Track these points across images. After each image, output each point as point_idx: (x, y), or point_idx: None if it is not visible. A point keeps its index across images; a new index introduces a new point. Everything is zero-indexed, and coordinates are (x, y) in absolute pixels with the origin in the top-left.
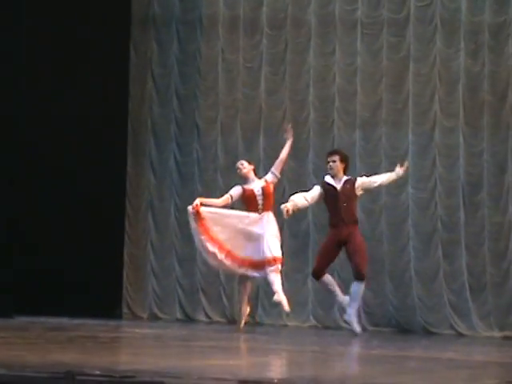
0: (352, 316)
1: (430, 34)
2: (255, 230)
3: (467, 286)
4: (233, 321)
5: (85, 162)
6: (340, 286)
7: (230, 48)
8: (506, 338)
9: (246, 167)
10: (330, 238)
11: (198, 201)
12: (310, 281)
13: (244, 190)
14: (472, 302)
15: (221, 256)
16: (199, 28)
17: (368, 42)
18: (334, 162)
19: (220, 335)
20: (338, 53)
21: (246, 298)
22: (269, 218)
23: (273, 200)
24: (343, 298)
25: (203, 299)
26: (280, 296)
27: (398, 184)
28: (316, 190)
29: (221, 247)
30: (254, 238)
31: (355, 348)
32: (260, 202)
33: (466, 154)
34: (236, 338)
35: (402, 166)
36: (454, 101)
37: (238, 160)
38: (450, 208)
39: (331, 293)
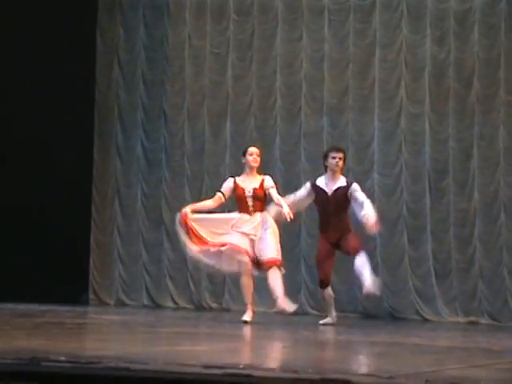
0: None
1: (396, 21)
2: (247, 231)
3: (432, 271)
4: (200, 307)
5: (51, 149)
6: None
7: (197, 34)
8: (470, 323)
9: (258, 161)
10: (322, 244)
11: (188, 208)
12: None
13: (235, 186)
14: (437, 288)
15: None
16: (166, 14)
17: (335, 29)
18: (341, 159)
19: (187, 321)
20: (305, 39)
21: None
22: (262, 217)
23: (265, 201)
24: (333, 318)
25: (170, 285)
26: (282, 302)
27: (363, 170)
28: (306, 189)
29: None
30: (248, 239)
31: (322, 334)
32: (250, 203)
33: (431, 141)
34: (203, 324)
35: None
36: (419, 87)
37: (205, 146)
38: (415, 194)
39: (327, 306)
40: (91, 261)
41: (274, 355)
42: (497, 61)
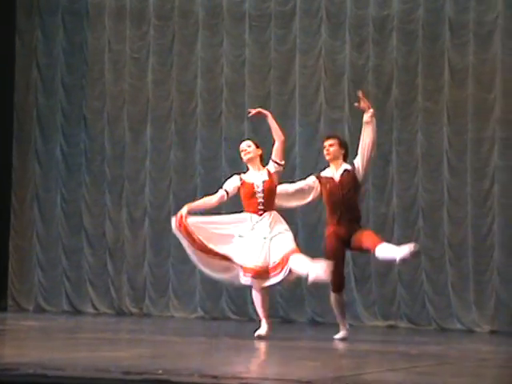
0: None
1: (315, 27)
2: (256, 234)
3: (352, 276)
4: (121, 312)
5: None
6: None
7: (117, 38)
8: (389, 327)
9: (252, 151)
10: (331, 241)
11: (184, 210)
12: (198, 271)
13: (242, 183)
14: (357, 292)
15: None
16: (85, 18)
17: (256, 34)
18: (332, 145)
19: (107, 327)
20: (226, 44)
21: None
22: (272, 218)
23: (275, 199)
24: (347, 331)
25: (91, 291)
26: (313, 270)
27: (284, 175)
28: (309, 180)
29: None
30: (256, 244)
31: (241, 339)
32: (260, 200)
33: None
34: (123, 329)
35: (358, 102)
36: (339, 93)
37: (126, 151)
38: None
39: (340, 315)
40: (10, 266)
41: (194, 361)
42: (415, 67)
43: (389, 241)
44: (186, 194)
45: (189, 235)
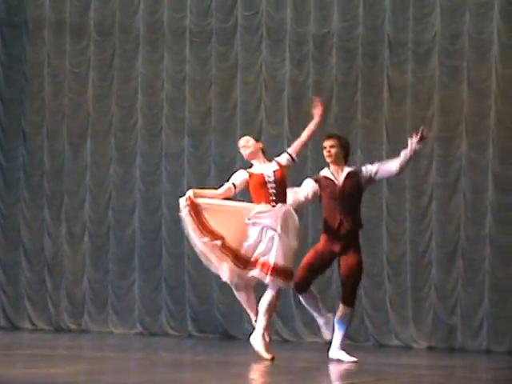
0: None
1: (256, 44)
2: (268, 223)
3: (291, 292)
4: (59, 328)
5: None
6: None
7: (57, 52)
8: (328, 343)
9: (251, 145)
10: (321, 247)
11: (190, 192)
12: (137, 287)
13: (251, 176)
14: (296, 309)
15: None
16: (25, 31)
17: (197, 50)
18: (333, 147)
19: (44, 343)
20: (167, 60)
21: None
22: (285, 211)
23: (286, 191)
24: (327, 317)
25: (28, 306)
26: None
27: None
28: (309, 187)
29: (228, 251)
30: (266, 236)
31: (180, 355)
32: (272, 190)
33: None
34: (60, 345)
35: (416, 134)
36: (279, 109)
37: (65, 165)
38: None
39: (315, 310)
40: None
41: (131, 377)
42: (354, 84)
43: None
44: (126, 209)
45: (197, 214)
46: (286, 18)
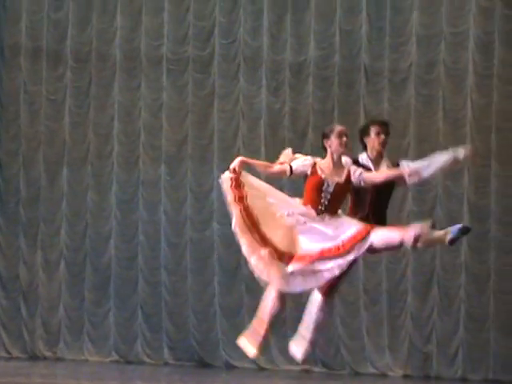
0: None
1: (233, 71)
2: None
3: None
4: (34, 356)
5: None
6: None
7: (33, 79)
8: (304, 371)
9: (346, 143)
10: None
11: (237, 162)
12: (112, 316)
13: (313, 170)
14: (273, 336)
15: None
16: (0, 58)
17: (174, 78)
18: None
19: (19, 371)
20: (144, 88)
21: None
22: (335, 219)
23: (341, 205)
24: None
25: (3, 334)
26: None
27: (203, 219)
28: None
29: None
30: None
31: (156, 383)
32: (324, 200)
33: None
34: (35, 373)
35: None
36: (256, 137)
37: (41, 193)
38: None
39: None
40: None
41: None
42: (331, 112)
43: None
44: (102, 237)
45: (238, 189)
46: (262, 45)
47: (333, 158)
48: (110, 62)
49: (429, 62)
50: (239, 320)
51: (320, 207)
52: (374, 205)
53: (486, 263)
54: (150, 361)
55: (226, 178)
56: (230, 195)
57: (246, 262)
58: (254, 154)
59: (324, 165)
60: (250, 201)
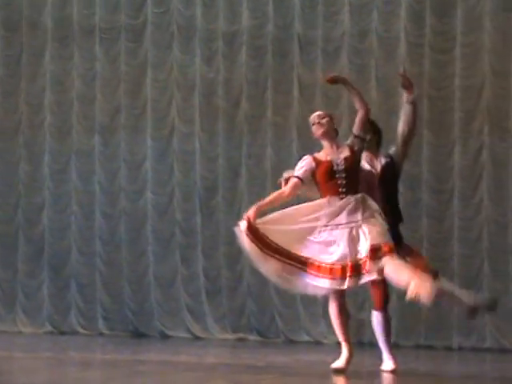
0: None
1: (166, 41)
2: (342, 221)
3: (203, 289)
4: None
5: None
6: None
7: None
8: (239, 339)
9: (325, 123)
10: None
11: (251, 211)
12: (46, 287)
13: (317, 164)
14: (208, 305)
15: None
16: None
17: (106, 47)
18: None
19: None
20: (77, 57)
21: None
22: (358, 201)
23: (359, 180)
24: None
25: None
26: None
27: (136, 189)
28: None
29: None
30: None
31: (89, 353)
32: (341, 181)
33: (202, 159)
34: None
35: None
36: (190, 107)
37: None
38: (187, 213)
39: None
40: None
41: (39, 377)
42: (264, 82)
43: (239, 254)
44: (35, 208)
45: (260, 239)
46: (195, 14)
47: (325, 143)
48: (41, 30)
49: (361, 31)
50: (174, 290)
51: (340, 189)
52: (384, 202)
53: (418, 231)
54: (84, 331)
55: (242, 228)
56: (247, 244)
57: (180, 231)
58: (189, 124)
59: (324, 152)
60: (270, 236)
